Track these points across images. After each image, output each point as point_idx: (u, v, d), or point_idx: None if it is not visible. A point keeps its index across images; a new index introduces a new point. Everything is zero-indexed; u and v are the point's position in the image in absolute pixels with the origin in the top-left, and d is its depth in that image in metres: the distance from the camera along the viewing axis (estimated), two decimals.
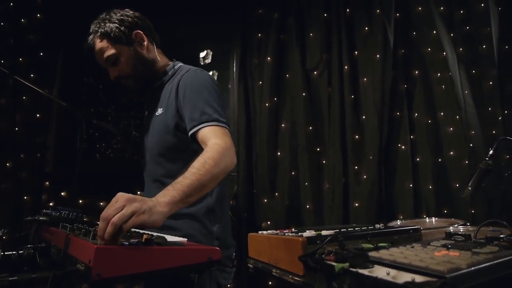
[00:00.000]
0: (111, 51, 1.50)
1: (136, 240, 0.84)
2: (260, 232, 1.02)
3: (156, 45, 1.64)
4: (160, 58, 1.63)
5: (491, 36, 2.95)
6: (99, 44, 1.51)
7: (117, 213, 0.84)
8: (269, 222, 3.20)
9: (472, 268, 0.52)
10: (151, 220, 0.92)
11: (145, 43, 1.56)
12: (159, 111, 1.54)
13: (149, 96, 1.67)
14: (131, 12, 1.59)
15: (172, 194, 1.03)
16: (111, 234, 0.80)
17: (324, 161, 3.23)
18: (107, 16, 1.54)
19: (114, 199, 0.89)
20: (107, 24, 1.50)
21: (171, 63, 1.65)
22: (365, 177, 3.10)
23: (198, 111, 1.36)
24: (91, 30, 1.54)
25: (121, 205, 0.86)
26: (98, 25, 1.52)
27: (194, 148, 1.35)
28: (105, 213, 0.83)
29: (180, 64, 1.66)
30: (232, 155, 1.27)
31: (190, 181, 1.09)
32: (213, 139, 1.28)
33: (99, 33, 1.50)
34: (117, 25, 1.50)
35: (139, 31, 1.55)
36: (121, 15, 1.54)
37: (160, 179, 1.48)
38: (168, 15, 3.35)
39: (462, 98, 2.98)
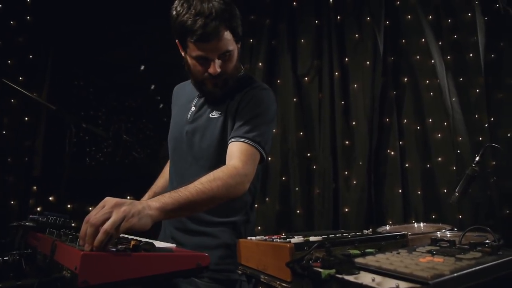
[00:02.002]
0: (232, 47, 1.37)
1: (124, 246, 0.83)
2: (249, 238, 1.02)
3: None
4: None
5: (477, 44, 3.02)
6: (226, 35, 1.33)
7: (105, 219, 0.83)
8: (259, 227, 3.20)
9: (455, 274, 0.53)
10: (141, 223, 0.90)
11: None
12: (215, 113, 1.46)
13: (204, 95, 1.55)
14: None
15: (165, 201, 1.01)
16: (103, 241, 0.79)
17: (314, 167, 3.24)
18: (232, 11, 1.34)
19: (101, 204, 0.88)
20: (235, 19, 1.35)
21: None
22: (355, 182, 3.12)
23: (245, 127, 1.34)
24: (211, 11, 1.27)
25: (109, 211, 0.85)
26: (228, 15, 1.32)
27: None
28: (93, 219, 0.82)
29: (246, 74, 1.59)
30: (246, 182, 1.25)
31: (189, 195, 1.06)
32: (235, 160, 1.26)
33: (227, 22, 1.32)
34: (239, 23, 1.38)
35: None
36: (234, 9, 1.37)
37: None
38: (160, 19, 3.35)
39: (450, 105, 3.04)
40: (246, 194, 1.44)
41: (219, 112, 1.45)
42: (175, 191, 1.06)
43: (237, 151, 1.30)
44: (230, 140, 1.34)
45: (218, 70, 1.36)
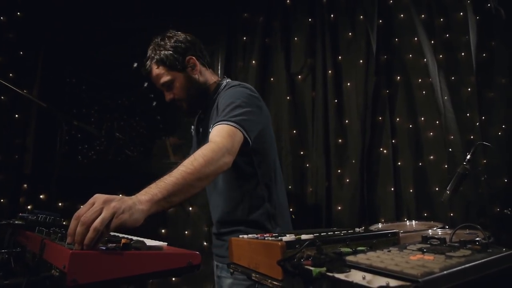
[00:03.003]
0: (166, 78, 1.61)
1: (114, 244, 0.82)
2: (241, 236, 1.02)
3: (208, 65, 1.75)
4: (211, 77, 1.74)
5: (469, 44, 3.05)
6: (156, 70, 1.62)
7: (96, 217, 0.82)
8: None
9: (445, 272, 0.53)
10: (132, 219, 0.89)
11: (197, 67, 1.67)
12: (211, 128, 1.58)
13: (202, 114, 1.77)
14: (183, 36, 1.68)
15: (153, 192, 1.01)
16: (93, 239, 0.78)
17: (307, 165, 3.25)
18: (162, 43, 1.63)
19: (90, 201, 0.87)
20: (163, 52, 1.61)
21: (221, 81, 1.74)
22: (347, 180, 3.13)
23: (221, 115, 1.41)
24: (148, 55, 1.65)
25: (99, 208, 0.84)
26: (154, 52, 1.63)
27: (245, 160, 1.47)
28: (84, 218, 0.81)
29: (228, 80, 1.74)
30: (225, 154, 1.25)
31: (175, 180, 1.06)
32: (215, 137, 1.30)
33: (155, 60, 1.62)
34: (171, 52, 1.61)
35: (191, 56, 1.66)
36: (175, 41, 1.64)
37: (218, 189, 1.64)
38: (152, 17, 3.33)
39: (442, 104, 3.06)
40: (261, 188, 1.57)
41: (212, 125, 1.57)
42: (160, 180, 1.06)
43: (215, 132, 1.34)
44: (210, 130, 1.42)
45: (168, 98, 1.67)
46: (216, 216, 1.67)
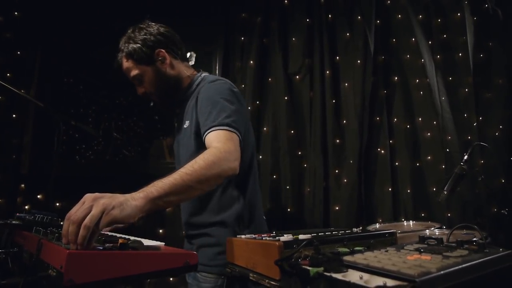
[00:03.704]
0: (135, 71, 1.58)
1: (111, 244, 0.82)
2: (238, 236, 1.02)
3: (182, 58, 1.69)
4: (185, 71, 1.68)
5: (466, 44, 3.06)
6: (126, 64, 1.60)
7: (85, 214, 0.82)
8: None
9: (442, 272, 0.54)
10: (123, 214, 0.89)
11: (167, 60, 1.61)
12: (186, 123, 1.58)
13: (178, 109, 1.73)
14: (155, 28, 1.62)
15: (149, 190, 1.01)
16: (86, 237, 0.78)
17: (305, 165, 3.25)
18: (132, 35, 1.59)
19: (81, 200, 0.87)
20: (131, 45, 1.56)
21: (197, 74, 1.69)
22: (345, 180, 3.13)
23: (210, 117, 1.38)
24: (119, 47, 1.61)
25: (89, 205, 0.84)
26: (124, 45, 1.59)
27: None
28: (74, 216, 0.81)
29: (205, 74, 1.70)
30: (231, 159, 1.24)
31: (173, 180, 1.06)
32: (215, 143, 1.28)
33: (125, 53, 1.58)
34: (139, 45, 1.56)
35: (161, 49, 1.60)
36: (145, 34, 1.58)
37: None
38: (150, 17, 3.32)
39: (439, 104, 3.07)
40: (232, 189, 1.51)
41: (188, 121, 1.57)
42: (159, 180, 1.06)
43: (213, 138, 1.32)
44: (203, 136, 1.37)
45: (139, 92, 1.65)
46: (184, 217, 1.62)
